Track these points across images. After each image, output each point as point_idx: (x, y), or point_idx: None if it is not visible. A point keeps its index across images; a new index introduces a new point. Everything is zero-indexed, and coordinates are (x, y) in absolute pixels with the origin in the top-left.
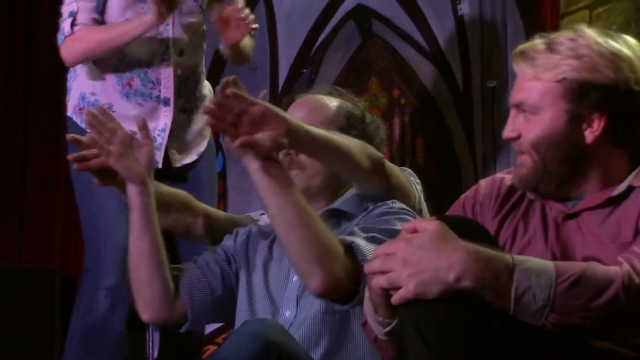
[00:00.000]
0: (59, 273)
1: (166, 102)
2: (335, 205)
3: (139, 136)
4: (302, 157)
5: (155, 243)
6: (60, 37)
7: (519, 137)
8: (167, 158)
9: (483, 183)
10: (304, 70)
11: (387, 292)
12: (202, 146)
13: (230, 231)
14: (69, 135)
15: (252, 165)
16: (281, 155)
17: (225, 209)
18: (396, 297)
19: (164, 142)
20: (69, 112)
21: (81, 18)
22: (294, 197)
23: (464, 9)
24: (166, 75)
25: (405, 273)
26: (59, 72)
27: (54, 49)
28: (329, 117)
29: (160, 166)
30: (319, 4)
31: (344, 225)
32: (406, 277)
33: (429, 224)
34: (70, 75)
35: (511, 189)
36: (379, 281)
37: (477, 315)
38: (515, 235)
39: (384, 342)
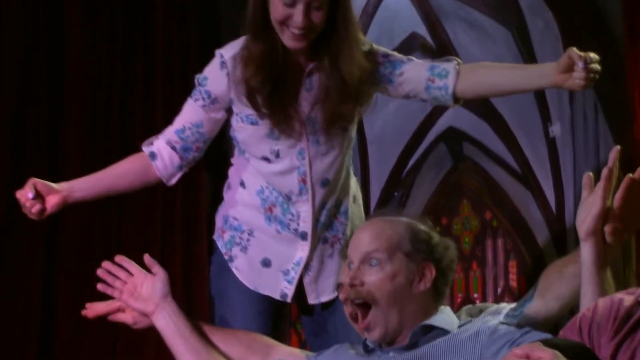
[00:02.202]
0: None
1: (304, 237)
2: (428, 321)
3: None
4: (368, 287)
5: (190, 357)
6: None
7: None
8: (303, 292)
9: (601, 303)
10: (396, 193)
11: None
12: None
13: None
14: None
15: (591, 248)
16: (343, 286)
17: None
18: None
19: (297, 276)
20: (215, 235)
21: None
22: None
23: (556, 130)
24: (305, 209)
25: None
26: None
27: None
28: (394, 242)
29: (289, 300)
30: (410, 127)
31: (439, 339)
32: None
33: (544, 353)
34: (224, 192)
35: (630, 311)
36: None
37: None
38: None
39: None
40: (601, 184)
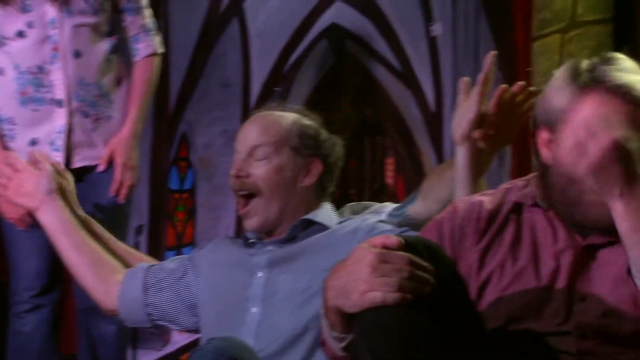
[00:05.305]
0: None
1: (59, 104)
2: (309, 216)
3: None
4: (254, 179)
5: (73, 252)
6: None
7: None
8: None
9: (460, 206)
10: (277, 88)
11: (341, 310)
12: (103, 151)
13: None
14: None
15: (466, 152)
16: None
17: (194, 225)
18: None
19: (63, 143)
20: None
21: None
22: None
23: (437, 30)
24: (58, 77)
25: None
26: None
27: None
28: (282, 136)
29: (63, 167)
30: (292, 23)
31: (318, 235)
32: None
33: (398, 257)
34: None
35: (492, 213)
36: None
37: (428, 326)
38: (504, 265)
39: (343, 359)
40: (476, 88)
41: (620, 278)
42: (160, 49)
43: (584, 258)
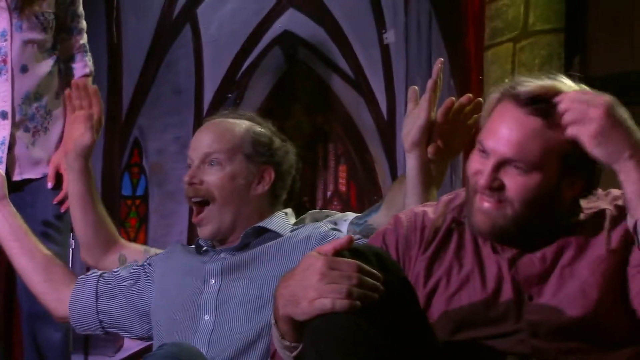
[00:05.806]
0: None
1: (4, 116)
2: (262, 223)
3: None
4: (207, 186)
5: (24, 258)
6: None
7: None
8: (8, 171)
9: (404, 216)
10: (229, 95)
11: (292, 318)
12: (46, 168)
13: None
14: None
15: (416, 160)
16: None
17: (146, 232)
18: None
19: (4, 155)
20: None
21: None
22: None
23: (390, 38)
24: (4, 90)
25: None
26: None
27: None
28: (235, 144)
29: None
30: (245, 29)
31: (271, 242)
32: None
33: (346, 264)
34: None
35: (437, 223)
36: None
37: (377, 333)
38: (450, 272)
39: None
40: (426, 95)
41: (564, 274)
42: (93, 70)
43: (518, 264)
